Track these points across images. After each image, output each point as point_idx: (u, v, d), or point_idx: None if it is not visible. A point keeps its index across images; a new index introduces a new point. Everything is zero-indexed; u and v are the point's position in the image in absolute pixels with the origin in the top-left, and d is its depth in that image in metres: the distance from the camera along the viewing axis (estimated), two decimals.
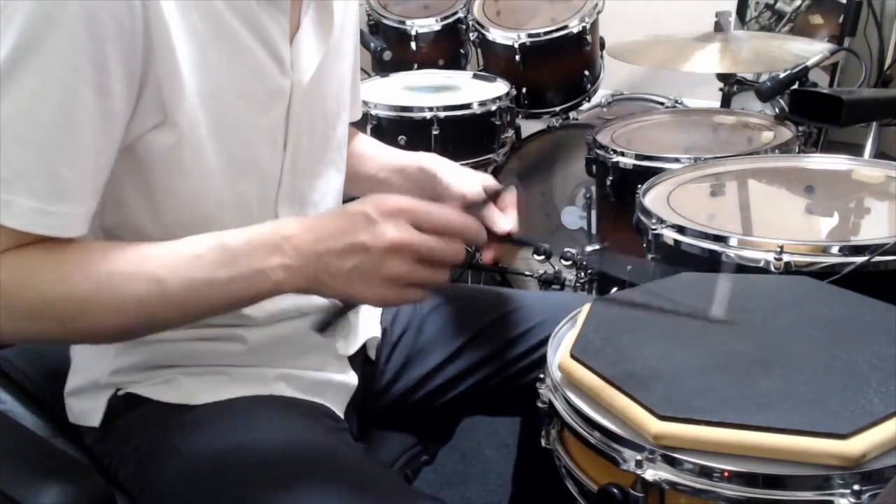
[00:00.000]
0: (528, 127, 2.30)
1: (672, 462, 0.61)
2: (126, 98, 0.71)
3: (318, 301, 0.85)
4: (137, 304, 0.70)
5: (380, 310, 1.05)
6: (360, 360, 0.98)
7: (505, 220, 0.90)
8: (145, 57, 0.70)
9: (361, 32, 2.08)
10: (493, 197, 0.87)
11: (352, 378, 0.95)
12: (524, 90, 2.14)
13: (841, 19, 2.09)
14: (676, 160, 1.41)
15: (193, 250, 0.71)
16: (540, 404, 0.74)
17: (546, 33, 2.06)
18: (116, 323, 0.71)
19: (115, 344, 0.85)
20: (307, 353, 0.91)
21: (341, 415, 0.92)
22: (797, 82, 1.56)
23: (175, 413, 0.84)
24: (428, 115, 1.87)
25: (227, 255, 0.70)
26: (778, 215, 1.17)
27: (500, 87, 2.03)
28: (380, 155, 1.13)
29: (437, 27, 2.30)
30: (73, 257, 0.70)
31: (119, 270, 0.70)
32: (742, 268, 0.99)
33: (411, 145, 1.85)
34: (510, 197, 0.94)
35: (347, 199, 1.02)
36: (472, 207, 0.75)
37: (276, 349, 0.88)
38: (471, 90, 2.05)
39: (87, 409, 0.88)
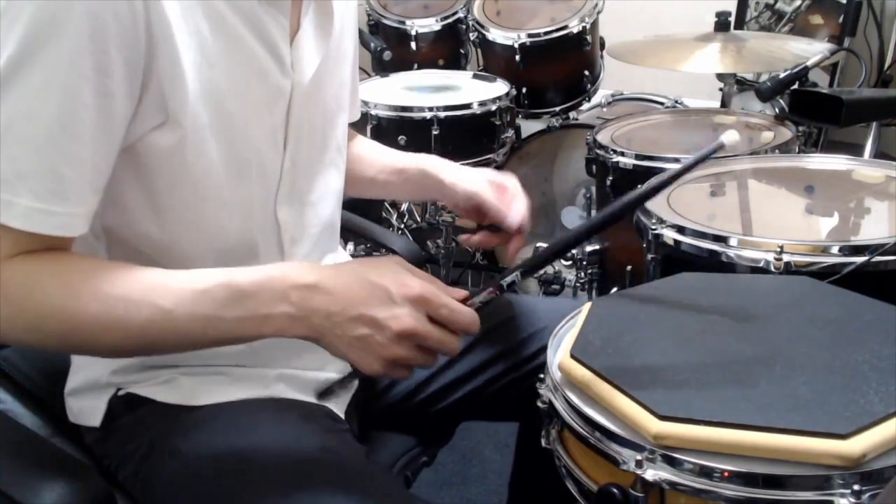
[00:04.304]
0: (528, 127, 2.29)
1: (672, 462, 0.61)
2: (127, 99, 0.71)
3: None
4: (141, 331, 0.70)
5: None
6: None
7: (512, 213, 1.00)
8: (147, 58, 0.71)
9: (361, 32, 2.09)
10: (497, 289, 0.80)
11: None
12: (524, 90, 2.14)
13: (841, 19, 2.09)
14: (676, 160, 1.41)
15: (202, 285, 0.71)
16: (540, 404, 0.74)
17: (546, 33, 2.06)
18: (116, 344, 0.72)
19: None
20: (307, 353, 0.90)
21: (342, 415, 0.92)
22: (797, 82, 1.56)
23: (175, 414, 0.84)
24: (428, 115, 1.86)
25: (235, 294, 0.71)
26: (778, 215, 1.17)
27: (500, 87, 2.03)
28: (379, 157, 1.12)
29: (437, 27, 2.30)
30: (83, 275, 0.71)
31: (127, 296, 0.70)
32: (742, 268, 0.99)
33: (411, 145, 1.85)
34: (513, 182, 1.03)
35: (347, 201, 1.02)
36: (474, 299, 0.76)
37: (275, 348, 0.88)
38: (471, 90, 2.05)
39: (87, 409, 0.88)
